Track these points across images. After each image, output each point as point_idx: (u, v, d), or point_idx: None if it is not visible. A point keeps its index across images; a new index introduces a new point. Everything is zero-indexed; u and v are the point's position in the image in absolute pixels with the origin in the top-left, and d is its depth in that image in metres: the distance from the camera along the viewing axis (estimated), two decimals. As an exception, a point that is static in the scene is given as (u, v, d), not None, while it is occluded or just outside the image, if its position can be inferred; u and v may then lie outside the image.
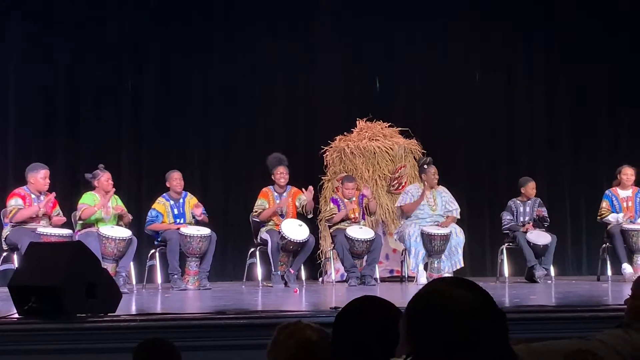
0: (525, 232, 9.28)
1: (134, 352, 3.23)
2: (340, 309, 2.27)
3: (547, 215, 9.51)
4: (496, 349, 1.67)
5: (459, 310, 1.67)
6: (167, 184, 9.11)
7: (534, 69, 11.28)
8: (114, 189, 8.68)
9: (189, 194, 9.17)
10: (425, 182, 9.42)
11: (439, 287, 1.74)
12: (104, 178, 8.59)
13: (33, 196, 8.33)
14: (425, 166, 9.53)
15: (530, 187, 9.57)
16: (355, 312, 2.21)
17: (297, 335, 2.48)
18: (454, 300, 1.68)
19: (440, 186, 9.57)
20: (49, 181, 8.40)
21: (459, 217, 9.52)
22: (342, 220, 9.33)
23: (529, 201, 9.57)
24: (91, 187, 8.65)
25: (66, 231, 8.27)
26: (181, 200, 9.09)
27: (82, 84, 10.52)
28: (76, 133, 10.47)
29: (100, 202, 8.47)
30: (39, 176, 8.34)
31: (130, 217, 8.80)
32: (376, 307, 2.21)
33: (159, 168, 9.79)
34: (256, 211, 9.22)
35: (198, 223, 9.02)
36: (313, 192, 9.33)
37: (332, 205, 9.47)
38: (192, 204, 9.09)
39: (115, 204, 8.71)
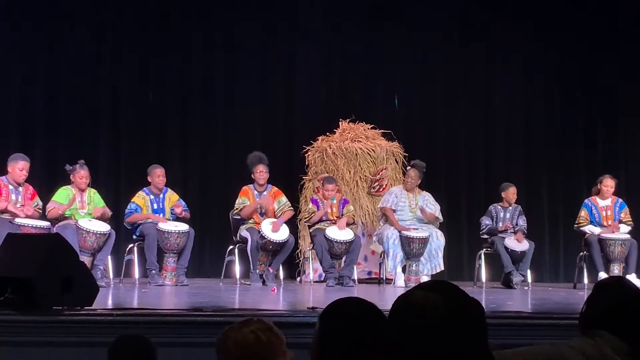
0: (504, 237, 9.32)
1: (109, 348, 3.22)
2: (322, 310, 2.28)
3: (524, 227, 9.56)
4: (474, 355, 1.68)
5: (432, 320, 1.69)
6: (149, 179, 9.07)
7: (513, 77, 11.32)
8: (87, 187, 8.64)
9: (169, 189, 9.15)
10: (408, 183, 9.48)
11: (413, 295, 1.75)
12: (79, 175, 8.55)
13: (11, 187, 8.29)
14: (408, 167, 9.60)
15: (510, 193, 9.62)
16: (339, 313, 2.21)
17: (232, 330, 2.48)
18: (427, 310, 1.70)
19: (424, 191, 9.60)
20: (26, 173, 8.35)
21: (441, 218, 9.54)
22: (322, 221, 9.33)
23: (510, 207, 9.62)
24: (68, 181, 8.61)
25: (44, 223, 8.23)
26: (161, 196, 9.05)
27: (62, 79, 10.48)
28: (55, 127, 10.43)
29: (70, 202, 8.40)
30: (17, 167, 8.30)
31: (109, 213, 8.75)
32: (359, 309, 2.22)
33: (137, 164, 9.76)
34: (237, 209, 9.20)
35: (178, 219, 8.99)
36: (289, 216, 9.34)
37: (311, 205, 9.47)
38: (172, 200, 9.07)
39: (91, 200, 8.65)
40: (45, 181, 9.60)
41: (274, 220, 9.05)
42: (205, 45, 10.85)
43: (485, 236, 9.53)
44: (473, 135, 11.25)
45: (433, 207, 9.51)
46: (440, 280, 1.84)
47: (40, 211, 8.47)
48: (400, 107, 11.20)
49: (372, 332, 2.08)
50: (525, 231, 9.54)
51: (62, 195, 8.51)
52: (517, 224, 9.53)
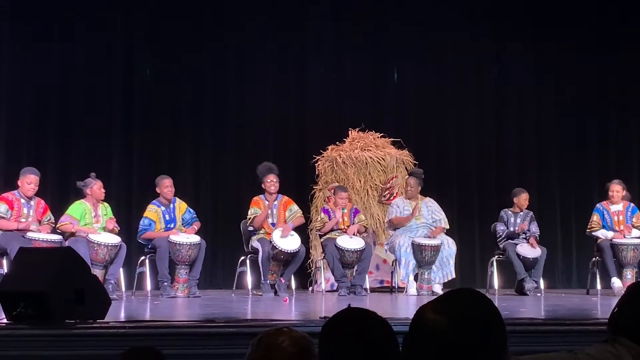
0: (516, 243, 9.29)
1: (120, 359, 3.21)
2: (326, 319, 2.26)
3: (537, 234, 9.53)
4: None
5: (431, 339, 1.70)
6: (158, 190, 9.10)
7: (524, 81, 11.30)
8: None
9: (177, 199, 9.16)
10: (408, 192, 9.48)
11: (420, 316, 1.75)
12: (96, 187, 8.58)
13: (22, 201, 8.32)
14: (407, 177, 9.61)
15: (522, 199, 9.59)
16: (341, 324, 2.18)
17: (271, 345, 2.47)
18: (429, 328, 1.72)
19: (427, 197, 9.59)
20: (35, 187, 8.37)
21: (447, 227, 9.53)
22: (332, 230, 9.32)
23: (521, 213, 9.59)
24: (82, 195, 8.63)
25: (56, 237, 8.25)
26: (171, 206, 9.08)
27: (73, 91, 10.53)
28: (67, 140, 10.46)
29: (85, 228, 8.42)
30: (26, 181, 8.33)
31: (118, 229, 8.75)
32: (362, 320, 2.19)
33: (149, 176, 9.77)
34: (249, 218, 9.21)
35: (186, 228, 9.02)
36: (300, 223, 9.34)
37: (322, 215, 9.46)
38: (182, 209, 9.09)
39: (106, 213, 8.68)
40: (58, 195, 9.63)
41: (284, 224, 9.05)
42: (216, 56, 10.88)
43: (504, 242, 9.47)
44: (484, 141, 11.22)
45: (439, 216, 9.49)
46: (460, 292, 1.82)
47: (53, 225, 8.48)
48: (409, 115, 11.18)
49: (377, 346, 2.06)
50: (538, 237, 9.51)
51: (77, 210, 8.51)
52: (528, 230, 9.50)
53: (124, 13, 10.63)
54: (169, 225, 8.98)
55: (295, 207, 9.36)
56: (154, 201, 9.08)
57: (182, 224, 9.08)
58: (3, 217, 8.18)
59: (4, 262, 8.01)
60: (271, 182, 9.20)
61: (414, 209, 9.31)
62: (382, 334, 2.11)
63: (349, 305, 2.28)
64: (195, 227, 9.07)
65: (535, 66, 11.25)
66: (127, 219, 9.54)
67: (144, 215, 9.01)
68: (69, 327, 5.01)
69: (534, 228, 9.54)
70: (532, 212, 9.65)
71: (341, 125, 10.59)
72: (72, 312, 5.11)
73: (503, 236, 9.50)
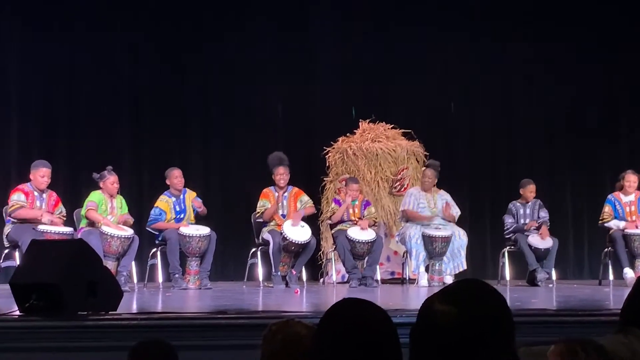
0: (528, 234, 9.27)
1: (129, 352, 3.20)
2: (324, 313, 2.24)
3: (547, 219, 9.50)
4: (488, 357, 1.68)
5: (441, 329, 1.70)
6: (167, 182, 9.11)
7: (535, 70, 11.26)
8: (117, 193, 8.71)
9: (187, 189, 9.18)
10: (425, 184, 9.46)
11: (433, 311, 1.75)
12: (109, 181, 8.60)
13: (36, 193, 8.34)
14: (423, 168, 9.59)
15: (528, 190, 9.56)
16: (338, 315, 2.15)
17: (286, 330, 2.50)
18: (438, 319, 1.71)
19: (441, 190, 9.58)
20: (47, 180, 8.38)
21: (457, 217, 9.51)
22: (343, 221, 9.32)
23: (529, 203, 9.56)
24: (96, 187, 8.66)
25: (67, 229, 8.27)
26: (182, 197, 9.09)
27: (83, 82, 10.54)
28: (77, 131, 10.48)
29: (106, 221, 8.44)
30: (38, 174, 8.34)
31: (131, 221, 8.78)
32: (359, 309, 2.16)
33: (159, 167, 9.79)
34: (258, 212, 9.21)
35: (198, 218, 9.02)
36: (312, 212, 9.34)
37: (334, 205, 9.47)
38: (191, 197, 9.11)
39: (121, 206, 8.71)
40: (69, 187, 9.66)
41: (294, 213, 9.05)
42: (224, 46, 10.85)
43: (511, 235, 9.47)
44: (495, 132, 11.20)
45: (453, 210, 9.49)
46: (467, 282, 1.81)
47: (65, 218, 8.51)
48: (419, 106, 11.13)
49: (374, 335, 2.02)
50: (549, 222, 9.48)
51: (97, 197, 8.54)
52: (539, 217, 9.47)
53: (129, 10, 10.63)
54: (179, 216, 9.00)
55: (305, 197, 9.36)
56: (165, 192, 9.11)
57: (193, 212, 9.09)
58: (24, 206, 8.21)
59: (16, 254, 8.04)
60: (281, 175, 9.19)
61: (431, 217, 9.28)
62: (379, 325, 2.09)
63: (344, 298, 2.27)
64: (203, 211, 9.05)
65: (545, 57, 11.19)
66: (139, 212, 9.56)
67: (155, 205, 9.03)
68: (81, 318, 5.04)
69: (543, 213, 9.51)
70: (539, 201, 9.62)
71: (351, 117, 10.57)
72: (84, 304, 5.14)
73: (511, 229, 9.48)
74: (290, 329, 2.50)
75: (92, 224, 8.46)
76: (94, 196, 8.55)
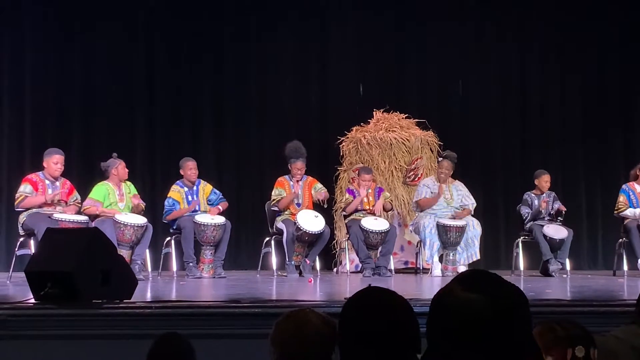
0: (542, 225, 9.24)
1: (148, 352, 3.20)
2: (347, 300, 2.27)
3: (563, 210, 9.47)
4: (521, 347, 1.68)
5: (477, 324, 1.69)
6: (182, 172, 9.13)
7: (549, 63, 11.22)
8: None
9: (202, 181, 9.19)
10: (441, 175, 9.42)
11: (454, 298, 1.75)
12: (121, 167, 8.62)
13: (47, 182, 8.37)
14: (440, 159, 9.56)
15: (543, 180, 9.53)
16: (361, 303, 2.19)
17: (298, 318, 2.52)
18: (471, 315, 1.71)
19: (456, 181, 9.56)
20: (61, 167, 8.41)
21: (472, 211, 9.50)
22: (357, 211, 9.32)
23: (544, 194, 9.53)
24: (105, 176, 8.67)
25: (82, 217, 8.29)
26: (195, 188, 9.11)
27: (97, 72, 10.57)
28: (91, 120, 10.53)
29: (109, 210, 8.44)
30: (52, 161, 8.37)
31: (143, 205, 8.80)
32: (383, 298, 2.20)
33: (172, 156, 9.81)
34: (274, 200, 9.22)
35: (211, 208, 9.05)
36: (326, 196, 9.31)
37: (347, 195, 9.46)
38: (207, 191, 9.13)
39: (129, 191, 8.73)
40: (83, 175, 9.70)
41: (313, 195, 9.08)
42: (238, 36, 10.86)
43: (530, 224, 9.42)
44: (509, 123, 11.17)
45: (468, 201, 9.47)
46: (479, 271, 1.81)
47: (80, 205, 8.53)
48: (434, 96, 11.13)
49: (397, 325, 2.06)
50: (563, 215, 9.44)
51: (99, 192, 8.55)
52: (552, 208, 9.44)
53: (145, 2, 10.66)
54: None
55: (319, 185, 9.37)
56: (177, 182, 9.12)
57: (208, 205, 9.11)
58: (28, 195, 8.24)
59: (31, 242, 8.09)
60: (298, 170, 9.20)
61: (439, 189, 9.28)
62: (403, 312, 2.12)
63: (370, 284, 2.29)
64: (220, 207, 9.09)
65: (559, 47, 11.15)
66: (152, 200, 9.59)
67: (168, 195, 9.05)
68: (96, 307, 5.06)
69: (557, 205, 9.49)
70: (554, 193, 9.59)
71: (365, 106, 10.56)
72: (99, 292, 5.16)
73: (529, 218, 9.45)
74: (301, 317, 2.52)
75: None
76: (97, 192, 8.54)
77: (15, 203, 8.28)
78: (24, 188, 8.28)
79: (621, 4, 10.97)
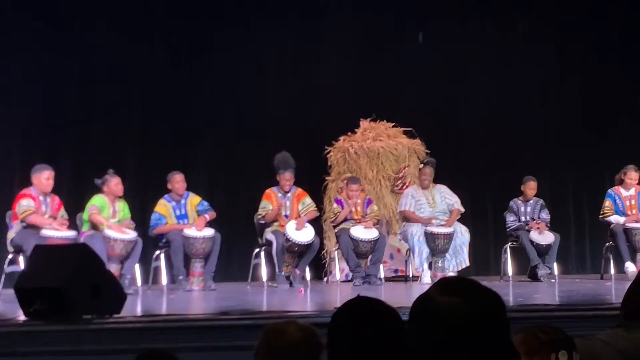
0: (529, 231, 9.29)
1: None
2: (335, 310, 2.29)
3: (548, 221, 9.51)
4: (492, 349, 1.70)
5: (458, 330, 1.71)
6: (169, 186, 9.12)
7: (539, 69, 11.24)
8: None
9: (190, 193, 9.18)
10: (425, 182, 9.47)
11: (434, 302, 1.77)
12: (113, 183, 8.60)
13: (41, 198, 8.34)
14: (421, 166, 9.60)
15: (529, 187, 9.57)
16: (350, 313, 2.21)
17: (276, 330, 2.53)
18: (452, 320, 1.72)
19: (438, 184, 9.59)
20: (52, 182, 8.38)
21: (462, 209, 9.52)
22: (346, 220, 9.34)
23: (531, 201, 9.57)
24: (99, 191, 8.66)
25: (70, 233, 8.27)
26: (183, 201, 9.09)
27: (89, 86, 10.57)
28: (82, 134, 10.51)
29: (109, 223, 8.45)
30: (43, 177, 8.33)
31: (133, 226, 8.77)
32: (371, 308, 2.21)
33: (164, 169, 9.79)
34: (260, 214, 9.22)
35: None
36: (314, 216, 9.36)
37: (335, 205, 9.48)
38: (194, 203, 9.11)
39: (122, 209, 8.72)
40: (72, 192, 9.66)
41: (298, 218, 9.09)
42: (227, 47, 10.85)
43: (513, 233, 9.48)
44: (497, 129, 11.18)
45: (451, 199, 9.49)
46: (457, 277, 1.85)
47: (67, 222, 8.51)
48: (420, 104, 11.14)
49: (385, 334, 2.08)
50: (548, 225, 9.48)
51: (99, 201, 8.54)
52: (539, 218, 9.49)
53: (136, 13, 10.65)
54: (180, 221, 9.00)
55: (308, 199, 9.37)
56: (165, 196, 9.11)
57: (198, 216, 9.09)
58: (35, 212, 8.20)
59: (20, 259, 8.06)
60: (287, 181, 9.22)
61: (430, 218, 9.28)
62: (391, 321, 2.14)
63: (358, 295, 2.31)
64: (207, 217, 9.05)
65: (545, 54, 11.20)
66: (143, 215, 9.57)
67: (155, 210, 9.04)
68: (86, 322, 5.05)
69: (545, 215, 9.54)
70: (542, 200, 9.63)
71: (353, 116, 10.58)
72: (89, 308, 5.15)
73: (513, 227, 9.49)
74: (278, 329, 2.53)
75: (95, 227, 8.46)
76: (96, 200, 8.57)
77: (21, 216, 8.20)
78: (28, 203, 8.19)
79: (621, 4, 11.02)
